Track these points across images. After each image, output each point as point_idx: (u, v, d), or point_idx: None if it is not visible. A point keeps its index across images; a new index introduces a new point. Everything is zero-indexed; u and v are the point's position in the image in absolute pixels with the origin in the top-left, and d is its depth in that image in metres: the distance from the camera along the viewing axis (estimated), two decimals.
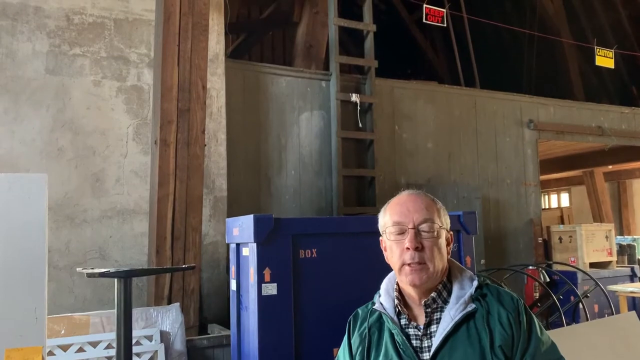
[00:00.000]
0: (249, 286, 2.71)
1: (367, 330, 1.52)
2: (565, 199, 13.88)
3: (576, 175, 11.44)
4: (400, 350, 1.44)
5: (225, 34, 4.76)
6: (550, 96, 6.97)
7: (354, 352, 1.55)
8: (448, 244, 1.52)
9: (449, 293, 1.46)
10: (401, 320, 1.49)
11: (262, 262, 2.64)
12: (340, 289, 2.74)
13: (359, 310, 1.62)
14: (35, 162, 3.92)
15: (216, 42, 4.60)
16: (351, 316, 1.63)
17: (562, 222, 10.72)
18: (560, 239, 6.43)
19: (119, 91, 4.21)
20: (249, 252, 2.74)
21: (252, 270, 2.67)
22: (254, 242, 2.65)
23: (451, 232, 1.56)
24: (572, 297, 5.49)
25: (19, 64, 3.93)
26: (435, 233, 1.45)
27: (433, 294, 1.45)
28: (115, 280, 2.43)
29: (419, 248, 1.43)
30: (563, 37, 9.52)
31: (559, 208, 12.51)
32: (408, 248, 1.43)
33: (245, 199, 4.87)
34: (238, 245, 2.94)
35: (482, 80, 7.13)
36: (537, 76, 9.66)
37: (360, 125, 5.35)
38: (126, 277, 2.41)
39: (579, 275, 5.84)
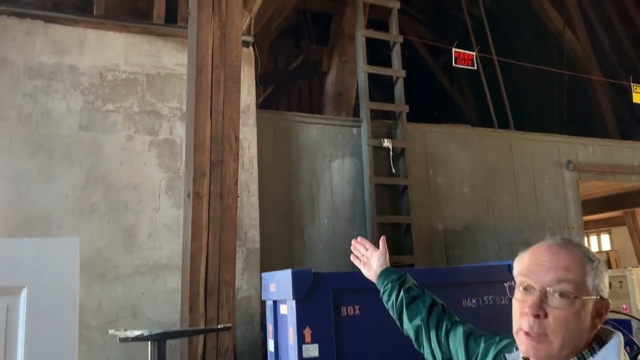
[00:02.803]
0: (289, 347, 2.54)
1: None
2: (605, 241, 13.33)
3: (616, 215, 10.99)
4: None
5: (255, 85, 4.77)
6: (584, 135, 6.75)
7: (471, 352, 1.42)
8: (598, 316, 1.17)
9: None
10: None
11: (302, 321, 2.48)
12: (387, 349, 2.55)
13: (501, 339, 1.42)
14: (68, 219, 3.89)
15: (247, 93, 4.60)
16: (497, 338, 1.43)
17: (609, 267, 10.24)
18: (609, 284, 6.07)
19: (151, 145, 4.20)
20: (288, 310, 2.59)
21: (292, 330, 2.50)
22: (293, 299, 2.50)
23: (607, 301, 1.20)
24: (628, 349, 5.11)
25: (54, 121, 3.97)
26: (573, 302, 1.14)
27: None
28: (149, 342, 2.30)
29: (539, 316, 1.14)
30: (593, 75, 9.37)
31: (606, 252, 11.99)
32: (527, 313, 1.16)
33: (278, 250, 4.74)
34: (275, 302, 2.80)
35: (513, 122, 6.97)
36: (569, 116, 9.46)
37: (393, 170, 5.23)
38: (160, 340, 2.29)
39: (634, 324, 5.44)
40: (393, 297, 1.70)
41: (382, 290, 1.74)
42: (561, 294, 1.14)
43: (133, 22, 4.33)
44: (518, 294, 1.21)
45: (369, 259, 1.80)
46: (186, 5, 4.41)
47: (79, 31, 4.11)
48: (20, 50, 3.97)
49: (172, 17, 4.59)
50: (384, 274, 1.74)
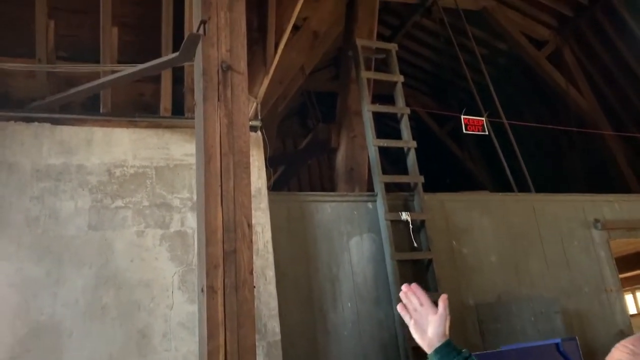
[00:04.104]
0: None
1: None
2: None
3: None
4: None
5: (265, 168, 4.69)
6: (604, 192, 6.53)
7: None
8: None
9: None
10: None
11: None
12: None
13: None
14: (79, 325, 3.68)
15: (257, 177, 4.51)
16: None
17: None
18: None
19: (162, 239, 4.06)
20: None
21: None
22: None
23: None
24: None
25: (62, 223, 3.86)
26: None
27: None
28: None
29: None
30: (602, 130, 9.30)
31: None
32: None
33: (300, 341, 4.44)
34: None
35: (525, 184, 6.78)
36: (585, 173, 9.29)
37: (415, 244, 5.01)
38: None
39: None
40: None
41: None
42: None
43: (140, 117, 4.33)
44: None
45: (423, 320, 1.45)
46: (192, 96, 4.42)
47: (86, 130, 4.10)
48: (28, 154, 3.94)
49: (179, 108, 4.59)
50: (442, 349, 1.39)
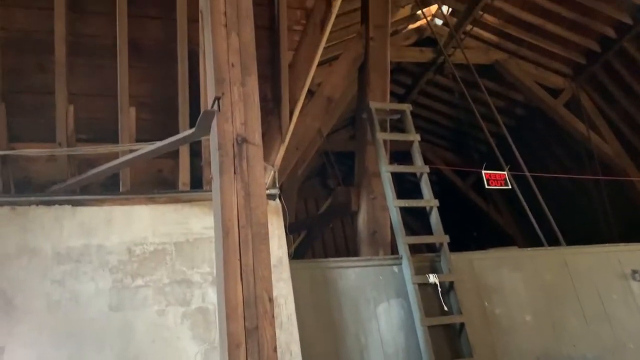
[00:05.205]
0: None
1: None
2: None
3: None
4: None
5: (285, 236, 4.62)
6: (639, 240, 6.24)
7: None
8: None
9: None
10: None
11: None
12: None
13: None
14: None
15: (278, 247, 4.44)
16: None
17: None
18: None
19: (183, 317, 3.96)
20: None
21: None
22: None
23: None
24: None
25: (83, 305, 3.81)
26: None
27: None
28: None
29: None
30: (629, 174, 9.09)
31: None
32: None
33: None
34: None
35: (555, 236, 6.54)
36: (616, 221, 8.99)
37: (445, 308, 4.81)
38: None
39: None
40: None
41: None
42: None
43: (159, 193, 4.35)
44: None
45: None
46: (210, 169, 4.45)
47: (105, 210, 4.13)
48: (49, 237, 3.96)
49: (198, 182, 4.61)
50: None
